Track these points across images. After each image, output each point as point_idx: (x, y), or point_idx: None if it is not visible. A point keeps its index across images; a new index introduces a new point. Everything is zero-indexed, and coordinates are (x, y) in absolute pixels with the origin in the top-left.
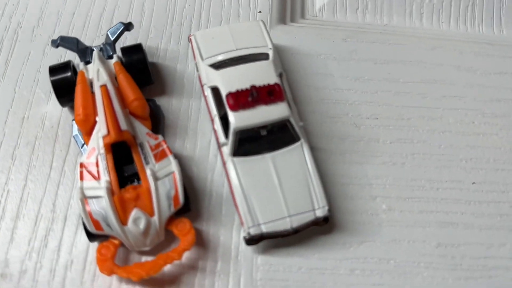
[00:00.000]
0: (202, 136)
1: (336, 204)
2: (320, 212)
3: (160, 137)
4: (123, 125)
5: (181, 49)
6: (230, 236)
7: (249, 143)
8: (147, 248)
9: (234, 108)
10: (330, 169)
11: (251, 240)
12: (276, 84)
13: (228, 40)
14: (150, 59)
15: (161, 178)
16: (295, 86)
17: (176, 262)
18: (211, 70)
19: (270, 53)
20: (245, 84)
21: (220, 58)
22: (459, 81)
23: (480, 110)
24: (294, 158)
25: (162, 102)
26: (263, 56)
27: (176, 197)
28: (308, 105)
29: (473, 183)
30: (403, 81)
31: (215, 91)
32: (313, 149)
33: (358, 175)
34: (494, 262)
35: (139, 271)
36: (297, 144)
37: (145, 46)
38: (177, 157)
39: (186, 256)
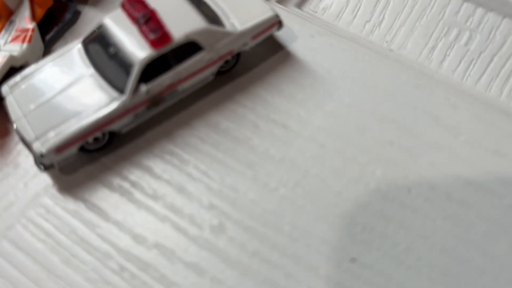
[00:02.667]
0: None
1: None
2: (38, 145)
3: (33, 25)
4: None
5: None
6: None
7: (98, 45)
8: None
9: (124, 5)
10: None
11: None
12: (165, 33)
13: None
14: None
15: None
16: None
17: None
18: None
19: (227, 23)
20: (158, 7)
21: None
22: None
23: None
24: (95, 94)
25: (88, 13)
26: (215, 19)
27: None
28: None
29: None
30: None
31: None
32: None
33: None
34: None
35: None
36: (111, 94)
37: None
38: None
39: None
